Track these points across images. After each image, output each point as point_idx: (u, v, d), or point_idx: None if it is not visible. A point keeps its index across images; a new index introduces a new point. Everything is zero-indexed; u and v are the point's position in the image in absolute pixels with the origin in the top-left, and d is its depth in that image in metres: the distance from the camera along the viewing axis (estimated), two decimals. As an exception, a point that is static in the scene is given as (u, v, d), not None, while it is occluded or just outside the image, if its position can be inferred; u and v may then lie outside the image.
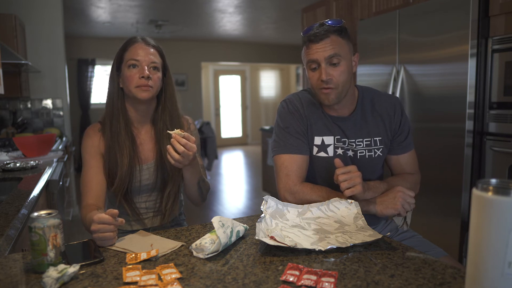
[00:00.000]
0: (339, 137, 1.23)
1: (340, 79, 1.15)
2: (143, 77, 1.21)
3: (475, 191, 0.57)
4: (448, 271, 0.76)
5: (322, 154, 1.23)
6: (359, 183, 1.05)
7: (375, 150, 1.24)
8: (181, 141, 1.07)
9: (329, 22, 1.15)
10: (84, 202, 1.21)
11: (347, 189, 1.05)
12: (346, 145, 1.23)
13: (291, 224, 1.03)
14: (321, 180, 1.24)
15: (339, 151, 1.23)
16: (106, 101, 1.29)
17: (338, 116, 1.24)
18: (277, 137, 1.26)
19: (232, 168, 6.69)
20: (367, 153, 1.23)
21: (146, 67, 1.21)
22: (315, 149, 1.23)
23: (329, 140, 1.23)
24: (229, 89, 9.49)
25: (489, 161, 2.07)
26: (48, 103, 3.79)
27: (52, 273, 0.73)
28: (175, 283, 0.73)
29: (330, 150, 1.23)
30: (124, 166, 1.25)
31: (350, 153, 1.24)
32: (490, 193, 0.55)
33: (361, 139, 1.23)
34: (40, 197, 1.53)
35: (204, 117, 8.50)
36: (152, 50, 1.24)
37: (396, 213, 1.10)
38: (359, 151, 1.23)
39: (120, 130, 1.26)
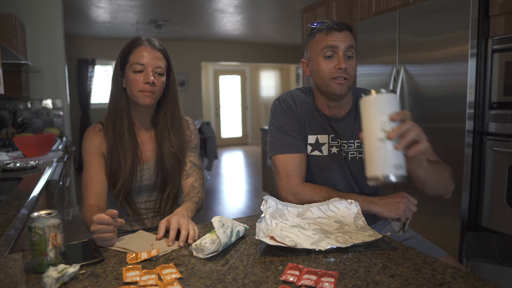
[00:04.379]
0: (333, 135, 1.23)
1: (352, 72, 1.18)
2: (148, 82, 1.20)
3: (362, 99, 0.84)
4: (448, 271, 0.76)
5: (316, 153, 1.23)
6: (421, 133, 0.82)
7: None
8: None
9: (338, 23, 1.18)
10: (85, 202, 1.21)
11: (413, 143, 0.81)
12: (339, 145, 1.23)
13: (291, 224, 1.03)
14: (317, 179, 1.24)
15: (334, 149, 1.22)
16: (109, 101, 1.28)
17: (332, 116, 1.24)
18: (273, 137, 1.25)
19: (232, 168, 6.69)
20: (358, 155, 1.23)
21: (151, 72, 1.20)
22: (309, 148, 1.23)
23: (323, 138, 1.23)
24: (229, 89, 9.49)
25: (489, 161, 2.07)
26: (48, 103, 3.79)
27: (52, 273, 0.73)
28: (175, 283, 0.73)
29: (325, 149, 1.23)
30: (128, 167, 1.25)
31: (343, 153, 1.23)
32: (371, 94, 0.82)
33: (353, 141, 1.23)
34: (40, 197, 1.53)
35: (204, 117, 8.51)
36: (157, 53, 1.23)
37: (396, 217, 1.10)
38: (350, 153, 1.23)
39: (124, 131, 1.25)
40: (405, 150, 0.81)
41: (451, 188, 1.14)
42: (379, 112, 0.81)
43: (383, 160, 0.80)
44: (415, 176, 0.99)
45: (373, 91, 0.83)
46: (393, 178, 0.79)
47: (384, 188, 1.33)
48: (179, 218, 1.00)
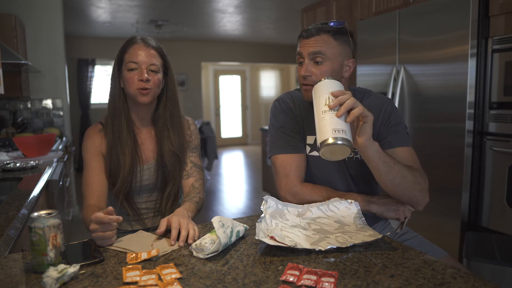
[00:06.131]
0: None
1: (322, 77, 1.11)
2: (141, 80, 1.20)
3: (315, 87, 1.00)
4: (448, 271, 0.76)
5: (315, 153, 1.22)
6: (357, 102, 0.92)
7: None
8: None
9: (331, 23, 1.15)
10: (86, 203, 1.21)
11: (350, 109, 0.91)
12: None
13: (291, 224, 1.03)
14: (317, 179, 1.23)
15: None
16: (108, 102, 1.29)
17: None
18: (273, 137, 1.25)
19: (232, 168, 6.69)
20: (354, 156, 1.22)
21: (145, 70, 1.21)
22: (308, 148, 1.23)
23: None
24: (229, 89, 9.49)
25: (489, 161, 2.07)
26: (48, 103, 3.79)
27: (52, 273, 0.73)
28: (175, 283, 0.73)
29: None
30: (126, 166, 1.25)
31: None
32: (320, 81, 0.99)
33: None
34: (40, 197, 1.53)
35: (204, 117, 8.50)
36: (151, 51, 1.24)
37: (396, 217, 1.11)
38: None
39: (122, 130, 1.26)
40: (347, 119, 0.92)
41: (421, 199, 1.09)
42: (324, 92, 0.95)
43: (325, 127, 0.91)
44: (374, 165, 1.01)
45: (322, 79, 1.00)
46: (334, 140, 0.88)
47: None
48: (180, 218, 1.00)
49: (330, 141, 0.88)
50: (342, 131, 0.89)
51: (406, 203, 1.11)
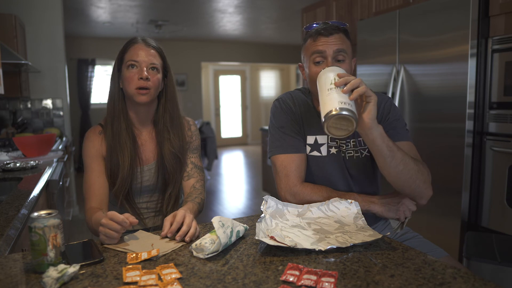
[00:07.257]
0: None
1: None
2: (141, 78, 1.20)
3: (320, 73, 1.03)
4: (448, 271, 0.76)
5: (315, 153, 1.22)
6: (362, 82, 0.94)
7: (361, 150, 1.22)
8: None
9: (331, 23, 1.17)
10: (87, 205, 1.21)
11: (354, 89, 0.93)
12: (338, 145, 1.23)
13: (291, 224, 1.03)
14: (317, 179, 1.23)
15: (333, 150, 1.22)
16: (108, 102, 1.29)
17: None
18: (273, 137, 1.25)
19: (232, 168, 6.69)
20: (354, 154, 1.22)
21: (145, 68, 1.21)
22: (308, 148, 1.23)
23: (322, 139, 1.22)
24: (229, 89, 9.49)
25: (489, 161, 2.07)
26: (48, 103, 3.79)
27: (52, 273, 0.73)
28: (175, 283, 0.73)
29: (324, 149, 1.22)
30: (126, 167, 1.25)
31: (341, 154, 1.23)
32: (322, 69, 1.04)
33: (349, 140, 1.22)
34: (40, 197, 1.53)
35: (204, 117, 8.51)
36: (152, 51, 1.24)
37: (396, 217, 1.11)
38: (347, 152, 1.22)
39: (121, 131, 1.26)
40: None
41: (424, 192, 1.08)
42: (330, 75, 0.98)
43: (331, 100, 0.92)
44: (378, 149, 1.00)
45: (326, 67, 1.07)
46: (339, 110, 0.89)
47: (384, 188, 1.34)
48: (186, 213, 1.00)
49: (335, 111, 0.88)
50: (348, 104, 0.90)
51: (410, 196, 1.10)
